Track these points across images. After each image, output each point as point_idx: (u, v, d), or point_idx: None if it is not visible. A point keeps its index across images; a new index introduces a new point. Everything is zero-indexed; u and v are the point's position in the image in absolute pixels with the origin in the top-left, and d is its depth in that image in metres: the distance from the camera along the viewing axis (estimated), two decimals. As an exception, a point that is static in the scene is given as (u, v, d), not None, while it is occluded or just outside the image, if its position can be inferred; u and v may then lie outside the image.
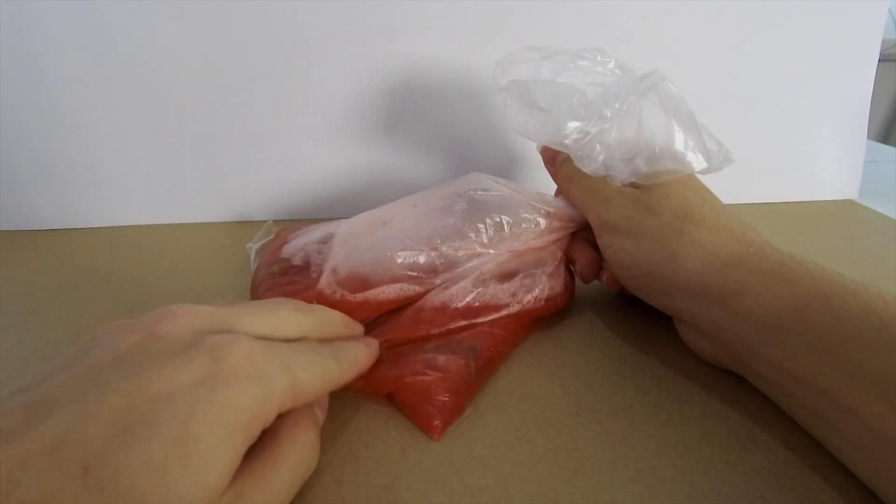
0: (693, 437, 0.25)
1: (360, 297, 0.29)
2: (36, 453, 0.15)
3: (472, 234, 0.30)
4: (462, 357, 0.27)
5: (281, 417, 0.20)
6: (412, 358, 0.28)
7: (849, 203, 0.52)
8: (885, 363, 0.20)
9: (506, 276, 0.31)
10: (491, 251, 0.30)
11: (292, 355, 0.21)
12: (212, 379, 0.18)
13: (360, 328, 0.28)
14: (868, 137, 0.51)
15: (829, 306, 0.22)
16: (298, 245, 0.33)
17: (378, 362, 0.27)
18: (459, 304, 0.29)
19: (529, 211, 0.31)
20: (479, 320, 0.29)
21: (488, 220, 0.30)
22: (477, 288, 0.30)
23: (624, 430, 0.25)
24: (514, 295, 0.30)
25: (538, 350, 0.31)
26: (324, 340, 0.24)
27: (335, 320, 0.26)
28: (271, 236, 0.40)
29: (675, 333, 0.30)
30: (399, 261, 0.29)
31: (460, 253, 0.30)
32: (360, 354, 0.25)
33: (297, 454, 0.20)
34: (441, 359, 0.27)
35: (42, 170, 0.44)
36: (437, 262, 0.30)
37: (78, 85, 0.42)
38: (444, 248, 0.30)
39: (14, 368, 0.30)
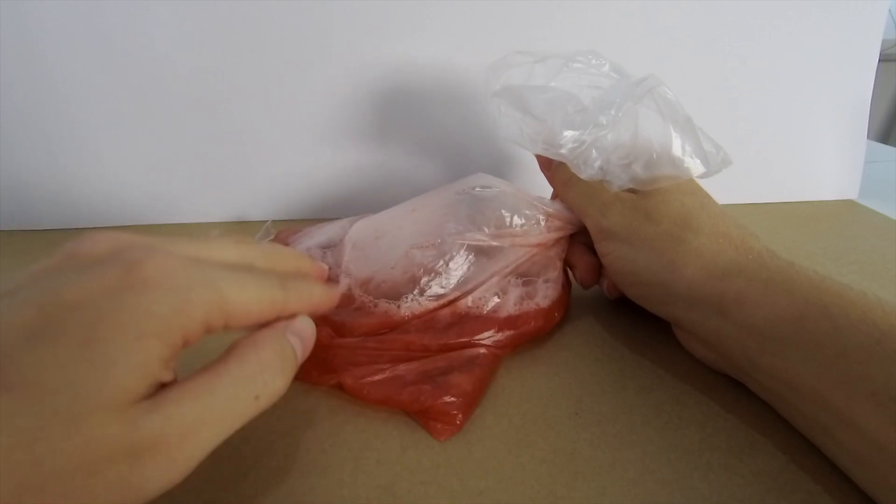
0: (693, 440, 0.25)
1: (381, 307, 0.29)
2: None
3: (474, 228, 0.30)
4: (471, 370, 0.27)
5: (242, 338, 0.20)
6: (424, 376, 0.27)
7: (849, 203, 0.52)
8: (884, 374, 0.20)
9: (519, 276, 0.31)
10: (495, 243, 0.30)
11: (219, 272, 0.20)
12: (122, 287, 0.17)
13: (322, 267, 0.26)
14: (868, 137, 0.51)
15: (829, 316, 0.22)
16: (301, 249, 0.33)
17: (394, 379, 0.27)
18: (482, 313, 0.29)
19: (529, 207, 0.31)
20: (487, 335, 0.29)
21: (492, 215, 0.30)
22: (494, 296, 0.30)
23: (624, 433, 0.25)
24: (517, 304, 0.30)
25: (538, 351, 0.31)
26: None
27: (287, 253, 0.25)
28: (271, 237, 0.40)
29: (674, 336, 0.30)
30: (412, 264, 0.29)
31: (467, 252, 0.30)
32: (315, 290, 0.24)
33: (246, 370, 0.19)
34: (455, 377, 0.27)
35: (42, 170, 0.44)
36: (447, 264, 0.30)
37: (78, 85, 0.42)
38: (452, 250, 0.30)
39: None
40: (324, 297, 0.24)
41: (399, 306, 0.29)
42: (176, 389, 0.18)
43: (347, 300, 0.30)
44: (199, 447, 0.18)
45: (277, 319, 0.22)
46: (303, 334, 0.22)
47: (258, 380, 0.20)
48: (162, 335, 0.17)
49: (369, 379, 0.27)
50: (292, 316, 0.22)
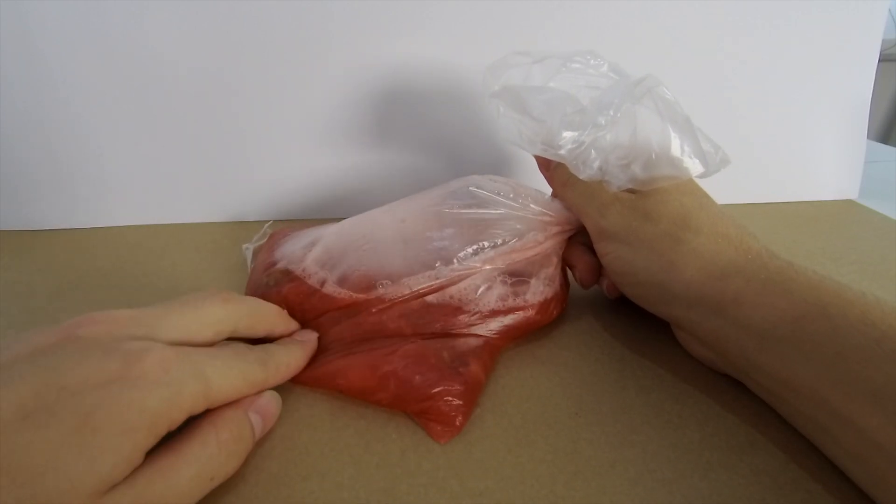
0: (693, 439, 0.25)
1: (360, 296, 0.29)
2: None
3: (470, 251, 0.30)
4: (470, 369, 0.27)
5: (201, 417, 0.21)
6: (428, 374, 0.27)
7: (849, 203, 0.52)
8: (883, 374, 0.20)
9: (511, 275, 0.30)
10: (488, 267, 0.30)
11: (208, 361, 0.21)
12: (121, 380, 0.18)
13: (294, 323, 0.28)
14: (868, 137, 0.51)
15: (828, 316, 0.22)
16: (288, 250, 0.33)
17: (390, 375, 0.27)
18: (460, 304, 0.29)
19: (523, 222, 0.31)
20: (474, 322, 0.29)
21: (484, 238, 0.30)
22: (480, 289, 0.29)
23: (624, 432, 0.25)
24: (504, 300, 0.30)
25: (538, 350, 0.31)
26: (257, 342, 0.25)
27: (268, 311, 0.27)
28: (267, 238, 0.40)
29: (674, 336, 0.30)
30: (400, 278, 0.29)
31: (459, 274, 0.30)
32: (292, 356, 0.26)
33: (206, 452, 0.20)
34: (456, 380, 0.27)
35: (42, 170, 0.44)
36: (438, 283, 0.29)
37: (78, 85, 0.42)
38: (444, 273, 0.29)
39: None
40: (301, 362, 0.27)
41: (376, 287, 0.29)
42: (146, 470, 0.19)
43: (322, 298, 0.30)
44: None
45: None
46: (266, 411, 0.24)
47: (215, 462, 0.21)
48: (150, 428, 0.19)
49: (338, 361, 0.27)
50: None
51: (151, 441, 0.19)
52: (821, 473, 0.23)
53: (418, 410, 0.26)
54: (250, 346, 0.25)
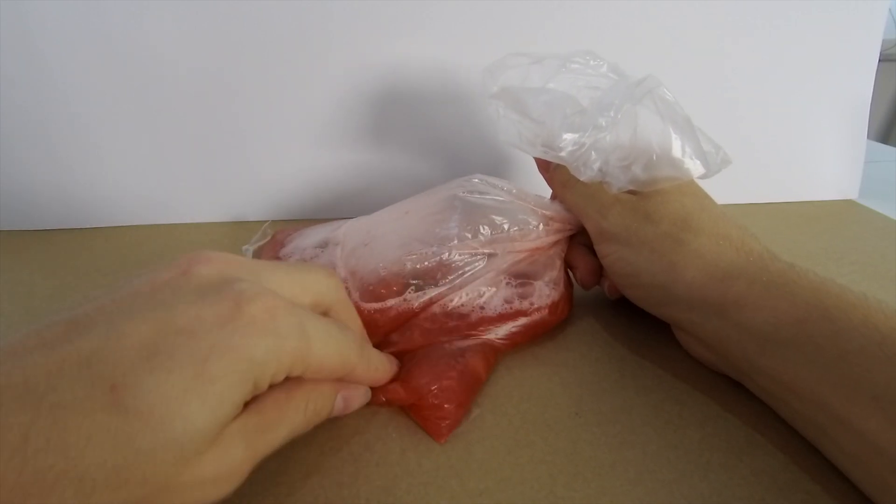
0: (693, 439, 0.25)
1: (374, 307, 0.29)
2: (72, 364, 0.16)
3: (468, 235, 0.30)
4: (468, 365, 0.27)
5: (303, 382, 0.22)
6: (423, 369, 0.27)
7: (849, 203, 0.52)
8: (884, 377, 0.20)
9: (515, 276, 0.30)
10: (487, 250, 0.30)
11: (312, 320, 0.21)
12: (232, 323, 0.19)
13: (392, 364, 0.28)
14: (868, 137, 0.51)
15: (829, 319, 0.22)
16: (296, 249, 0.33)
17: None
18: (468, 311, 0.29)
19: (527, 213, 0.31)
20: (482, 329, 0.29)
21: (485, 222, 0.30)
22: (485, 294, 0.29)
23: (624, 433, 0.25)
24: (510, 303, 0.30)
25: (538, 350, 0.31)
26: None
27: (355, 313, 0.27)
28: (267, 238, 0.40)
29: (675, 336, 0.30)
30: (405, 269, 0.29)
31: (459, 257, 0.30)
32: (382, 362, 0.26)
33: (298, 418, 0.21)
34: (452, 372, 0.27)
35: (42, 170, 0.44)
36: (438, 267, 0.29)
37: (78, 85, 0.42)
38: (444, 254, 0.29)
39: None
40: (388, 375, 0.26)
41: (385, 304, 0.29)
42: (256, 419, 0.20)
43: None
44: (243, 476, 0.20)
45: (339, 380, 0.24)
46: (351, 401, 0.24)
47: (299, 429, 0.22)
48: (257, 381, 0.19)
49: None
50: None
51: (253, 394, 0.19)
52: (820, 474, 0.23)
53: (414, 404, 0.26)
54: (350, 328, 0.24)
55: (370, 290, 0.29)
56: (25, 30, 0.40)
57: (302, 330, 0.20)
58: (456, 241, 0.29)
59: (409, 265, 0.29)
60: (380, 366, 0.26)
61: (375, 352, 0.26)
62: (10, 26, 0.40)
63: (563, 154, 0.29)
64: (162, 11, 0.41)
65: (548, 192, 0.35)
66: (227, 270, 0.21)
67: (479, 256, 0.30)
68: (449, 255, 0.29)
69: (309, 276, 0.24)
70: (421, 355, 0.28)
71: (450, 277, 0.29)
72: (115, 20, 0.41)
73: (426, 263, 0.29)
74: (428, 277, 0.29)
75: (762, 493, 0.22)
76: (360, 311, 0.28)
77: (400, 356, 0.28)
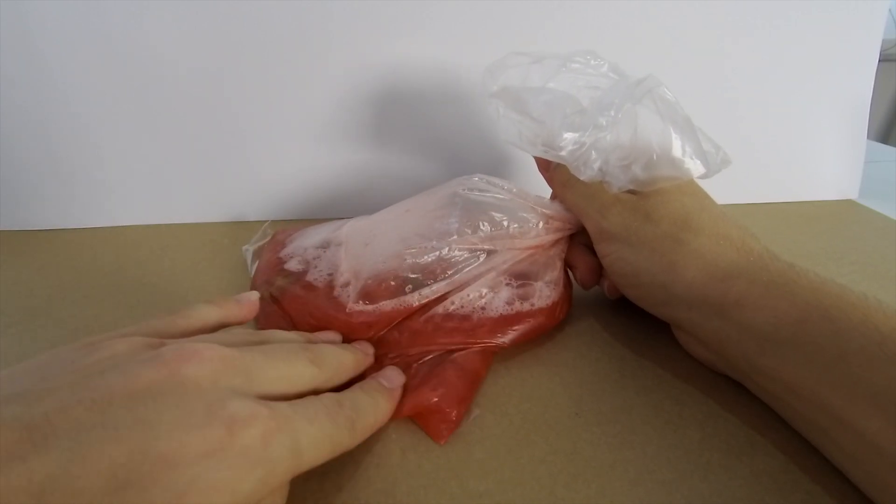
0: (693, 440, 0.25)
1: (377, 308, 0.29)
2: (21, 492, 0.14)
3: (468, 231, 0.30)
4: (465, 367, 0.27)
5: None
6: (423, 371, 0.27)
7: (849, 203, 0.52)
8: (884, 377, 0.20)
9: (515, 277, 0.30)
10: (486, 247, 0.30)
11: (305, 428, 0.20)
12: (221, 453, 0.17)
13: (370, 358, 0.27)
14: (868, 137, 0.51)
15: (829, 319, 0.22)
16: (297, 249, 0.33)
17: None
18: (469, 312, 0.29)
19: (527, 211, 0.31)
20: (482, 332, 0.29)
21: (485, 219, 0.30)
22: (486, 296, 0.29)
23: (624, 433, 0.25)
24: (510, 304, 0.30)
25: (538, 350, 0.31)
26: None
27: (347, 366, 0.25)
28: (267, 238, 0.40)
29: (675, 336, 0.30)
30: (404, 263, 0.29)
31: (459, 252, 0.30)
32: (379, 414, 0.24)
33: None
34: (450, 373, 0.27)
35: (42, 170, 0.44)
36: (437, 262, 0.29)
37: (78, 85, 0.42)
38: (443, 249, 0.29)
39: (14, 370, 0.30)
40: (385, 418, 0.25)
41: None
42: None
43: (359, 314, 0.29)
44: None
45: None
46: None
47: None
48: None
49: None
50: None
51: None
52: (820, 475, 0.23)
53: (413, 406, 0.26)
54: (340, 401, 0.22)
55: (371, 288, 0.29)
56: (25, 30, 0.40)
57: (295, 446, 0.19)
58: (456, 237, 0.29)
59: (408, 259, 0.29)
60: (376, 421, 0.24)
61: (371, 403, 0.24)
62: (10, 26, 0.40)
63: (563, 153, 0.29)
64: (162, 11, 0.41)
65: (548, 191, 0.35)
66: (219, 374, 0.19)
67: (478, 252, 0.30)
68: (448, 249, 0.29)
69: (295, 368, 0.22)
70: (421, 362, 0.28)
71: (449, 273, 0.29)
72: (115, 20, 0.41)
73: (426, 258, 0.29)
74: (427, 272, 0.29)
75: (762, 493, 0.22)
76: (360, 312, 0.28)
77: (401, 363, 0.28)
